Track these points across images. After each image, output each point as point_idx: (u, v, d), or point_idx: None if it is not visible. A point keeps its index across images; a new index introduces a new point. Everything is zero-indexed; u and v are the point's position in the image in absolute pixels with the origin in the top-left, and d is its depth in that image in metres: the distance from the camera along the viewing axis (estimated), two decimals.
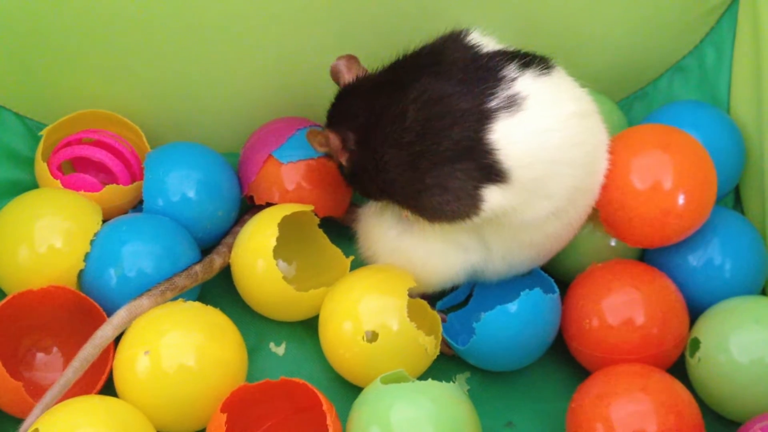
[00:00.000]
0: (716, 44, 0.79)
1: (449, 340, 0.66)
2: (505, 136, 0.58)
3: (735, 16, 0.78)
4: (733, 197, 0.77)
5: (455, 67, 0.61)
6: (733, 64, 0.79)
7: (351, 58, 0.66)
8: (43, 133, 0.74)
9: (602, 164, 0.64)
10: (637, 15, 0.77)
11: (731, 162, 0.73)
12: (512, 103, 0.59)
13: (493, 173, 0.58)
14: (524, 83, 0.59)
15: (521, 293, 0.63)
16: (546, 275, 0.67)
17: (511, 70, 0.60)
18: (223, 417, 0.58)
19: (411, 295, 0.65)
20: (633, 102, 0.82)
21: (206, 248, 0.72)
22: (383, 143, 0.61)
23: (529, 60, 0.62)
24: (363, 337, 0.64)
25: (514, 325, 0.63)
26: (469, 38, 0.64)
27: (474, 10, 0.73)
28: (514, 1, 0.75)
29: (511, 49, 0.64)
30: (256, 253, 0.68)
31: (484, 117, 0.58)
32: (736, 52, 0.78)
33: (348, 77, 0.66)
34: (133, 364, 0.62)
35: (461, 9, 0.73)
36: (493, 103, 0.59)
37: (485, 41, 0.64)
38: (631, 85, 0.82)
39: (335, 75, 0.67)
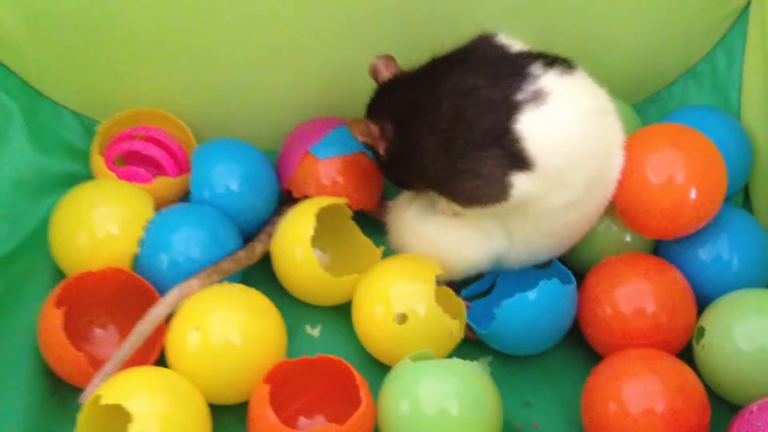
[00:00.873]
0: (727, 51, 0.82)
1: (473, 325, 0.70)
2: (531, 126, 0.62)
3: (745, 25, 0.80)
4: (742, 196, 0.80)
5: (485, 63, 0.65)
6: (743, 70, 0.81)
7: (389, 58, 0.71)
8: (99, 128, 0.78)
9: (618, 160, 0.68)
10: (653, 24, 0.80)
11: (739, 163, 0.76)
12: (537, 96, 0.63)
13: (520, 160, 0.62)
14: (548, 80, 0.64)
15: (540, 283, 0.67)
16: (563, 267, 0.70)
17: (536, 68, 0.64)
18: (267, 388, 0.62)
19: (438, 283, 0.69)
20: (649, 105, 0.85)
21: (248, 236, 0.76)
22: (420, 131, 0.65)
23: (553, 60, 0.66)
24: (394, 319, 0.67)
25: (533, 311, 0.67)
26: (497, 39, 0.68)
27: (499, 18, 0.77)
28: (537, 11, 0.77)
29: (537, 51, 0.67)
30: (295, 241, 0.72)
31: (512, 108, 0.63)
32: (746, 59, 0.81)
33: (386, 74, 0.70)
34: (184, 340, 0.66)
35: (487, 17, 0.76)
36: (519, 96, 0.63)
37: (512, 42, 0.68)
38: (647, 89, 0.84)
39: (374, 72, 0.71)
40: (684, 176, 0.67)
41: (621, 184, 0.69)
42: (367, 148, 0.72)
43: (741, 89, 0.81)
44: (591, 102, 0.66)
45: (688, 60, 0.83)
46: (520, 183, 0.63)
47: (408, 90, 0.67)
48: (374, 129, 0.68)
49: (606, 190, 0.68)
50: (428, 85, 0.66)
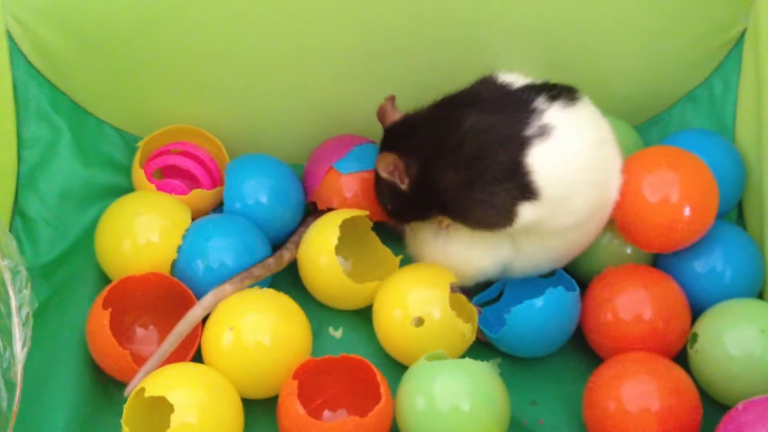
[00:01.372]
0: (724, 77, 0.84)
1: (484, 329, 0.74)
2: (539, 160, 0.67)
3: (740, 53, 0.82)
4: (736, 212, 0.82)
5: (494, 102, 0.69)
6: (738, 96, 0.83)
7: (393, 98, 0.75)
8: (140, 144, 0.81)
9: (616, 183, 0.72)
10: (654, 52, 0.83)
11: (733, 182, 0.79)
12: (543, 131, 0.67)
13: (528, 191, 0.67)
14: (553, 114, 0.68)
15: (546, 291, 0.71)
16: (568, 276, 0.74)
17: (541, 103, 0.69)
18: (295, 383, 0.66)
19: (452, 290, 0.72)
20: (650, 126, 0.87)
21: (276, 245, 0.79)
22: (444, 168, 0.69)
23: (558, 92, 0.70)
24: (411, 322, 0.71)
25: (539, 317, 0.71)
26: (500, 78, 0.72)
27: (509, 48, 0.80)
28: (546, 40, 0.81)
29: (539, 82, 0.71)
30: (320, 250, 0.75)
31: (523, 143, 0.67)
32: (741, 85, 0.83)
33: (393, 116, 0.74)
34: (219, 339, 0.70)
35: (498, 47, 0.80)
36: (528, 132, 0.67)
37: (513, 78, 0.72)
38: (649, 112, 0.87)
39: (382, 113, 0.74)
40: (678, 195, 0.70)
41: (621, 202, 0.72)
42: (383, 183, 0.73)
43: (736, 113, 0.83)
44: (593, 133, 0.70)
45: (687, 85, 0.85)
46: (525, 212, 0.68)
47: (427, 130, 0.71)
48: (400, 165, 0.70)
49: (605, 211, 0.72)
50: (447, 126, 0.69)
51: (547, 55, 0.82)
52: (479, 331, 0.74)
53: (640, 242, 0.73)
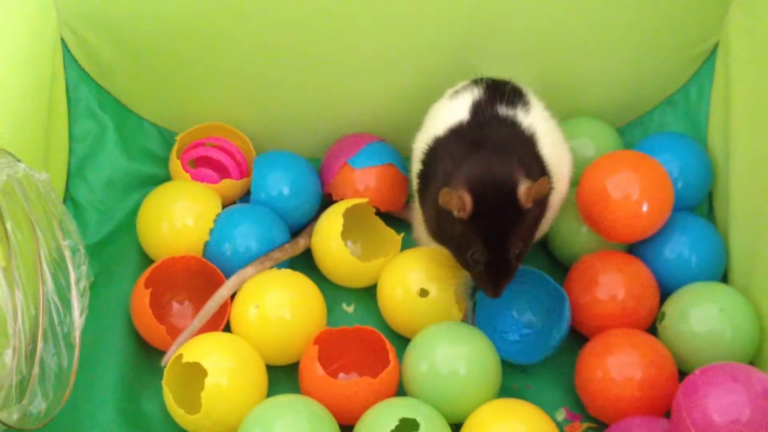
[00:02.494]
0: (698, 85, 0.90)
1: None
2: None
3: (713, 64, 0.88)
4: (707, 206, 0.89)
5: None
6: (711, 102, 0.89)
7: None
8: (177, 137, 0.87)
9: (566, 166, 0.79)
10: (636, 61, 0.89)
11: (700, 180, 0.85)
12: (533, 140, 0.75)
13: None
14: (532, 124, 0.76)
15: (554, 331, 0.75)
16: (556, 284, 0.77)
17: (523, 117, 0.75)
18: (316, 348, 0.74)
19: (457, 288, 0.78)
20: (632, 128, 0.93)
21: (295, 231, 0.87)
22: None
23: (514, 100, 0.76)
24: (418, 293, 0.77)
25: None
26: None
27: (503, 56, 0.86)
28: (537, 49, 0.86)
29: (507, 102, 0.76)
30: (330, 236, 0.82)
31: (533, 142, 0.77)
32: (713, 92, 0.89)
33: None
34: (246, 315, 0.77)
35: (493, 54, 0.86)
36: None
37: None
38: (630, 115, 0.93)
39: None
40: (638, 193, 0.77)
41: (588, 199, 0.79)
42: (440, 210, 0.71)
43: (708, 117, 0.89)
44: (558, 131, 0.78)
45: (665, 91, 0.91)
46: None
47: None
48: (468, 200, 0.68)
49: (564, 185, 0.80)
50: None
51: (539, 62, 0.87)
52: (465, 315, 0.80)
53: (606, 234, 0.80)
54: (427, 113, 0.83)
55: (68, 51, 0.85)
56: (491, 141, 0.73)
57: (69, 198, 0.86)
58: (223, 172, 0.90)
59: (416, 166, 0.80)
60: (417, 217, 0.84)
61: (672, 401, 0.66)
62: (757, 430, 0.62)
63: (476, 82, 0.80)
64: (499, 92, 0.77)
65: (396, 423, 0.69)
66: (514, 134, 0.75)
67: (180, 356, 0.74)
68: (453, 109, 0.78)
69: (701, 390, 0.64)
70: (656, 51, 0.89)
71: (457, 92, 0.80)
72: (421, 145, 0.79)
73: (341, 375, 0.79)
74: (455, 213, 0.69)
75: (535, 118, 0.77)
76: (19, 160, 0.64)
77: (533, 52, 0.87)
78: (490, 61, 0.87)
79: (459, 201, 0.67)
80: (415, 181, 0.80)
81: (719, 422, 0.62)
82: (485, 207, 0.68)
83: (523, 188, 0.68)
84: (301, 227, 0.88)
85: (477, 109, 0.76)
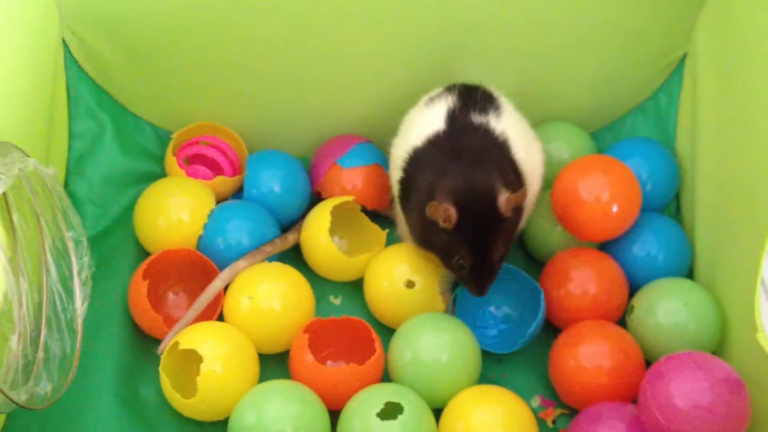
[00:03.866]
0: (668, 92, 0.92)
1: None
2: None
3: (682, 72, 0.91)
4: (675, 207, 0.92)
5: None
6: (679, 109, 0.92)
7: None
8: (173, 135, 0.90)
9: (539, 165, 0.83)
10: (609, 68, 0.91)
11: (668, 181, 0.89)
12: (507, 147, 0.79)
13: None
14: (504, 129, 0.80)
15: (533, 324, 0.78)
16: (531, 279, 0.80)
17: (495, 123, 0.79)
18: (306, 336, 0.77)
19: (440, 285, 0.81)
20: (605, 133, 0.96)
21: (285, 227, 0.89)
22: None
23: (486, 106, 0.79)
24: (405, 284, 0.80)
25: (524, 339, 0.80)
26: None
27: (483, 63, 0.89)
28: (514, 57, 0.89)
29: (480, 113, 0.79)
30: (318, 231, 0.85)
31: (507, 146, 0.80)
32: (681, 100, 0.92)
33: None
34: (239, 305, 0.80)
35: (473, 61, 0.89)
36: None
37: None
38: (604, 120, 0.96)
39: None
40: (608, 195, 0.80)
41: (562, 200, 0.82)
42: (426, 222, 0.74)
43: (677, 123, 0.92)
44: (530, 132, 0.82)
45: (637, 98, 0.94)
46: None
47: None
48: (453, 214, 0.72)
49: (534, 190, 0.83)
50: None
51: (517, 69, 0.90)
52: (446, 307, 0.84)
53: (578, 233, 0.83)
54: (404, 120, 0.86)
55: (69, 52, 0.87)
56: (468, 151, 0.77)
57: (68, 193, 0.87)
58: (216, 169, 0.92)
59: (396, 173, 0.83)
60: (400, 216, 0.87)
61: (639, 388, 0.70)
62: (717, 415, 0.66)
63: (449, 89, 0.83)
64: (471, 99, 0.80)
65: (381, 406, 0.72)
66: (488, 142, 0.78)
67: (176, 344, 0.76)
68: (429, 118, 0.81)
69: (666, 376, 0.68)
70: (628, 60, 0.92)
71: (432, 99, 0.83)
72: (400, 152, 0.82)
73: (329, 362, 0.82)
74: (440, 224, 0.74)
75: (507, 123, 0.80)
76: (28, 156, 0.68)
77: (513, 60, 0.91)
78: (471, 68, 0.90)
79: (444, 213, 0.72)
80: (395, 187, 0.83)
81: (682, 407, 0.66)
82: (469, 218, 0.73)
83: (503, 199, 0.73)
84: (290, 223, 0.91)
85: (452, 118, 0.80)
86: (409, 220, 0.81)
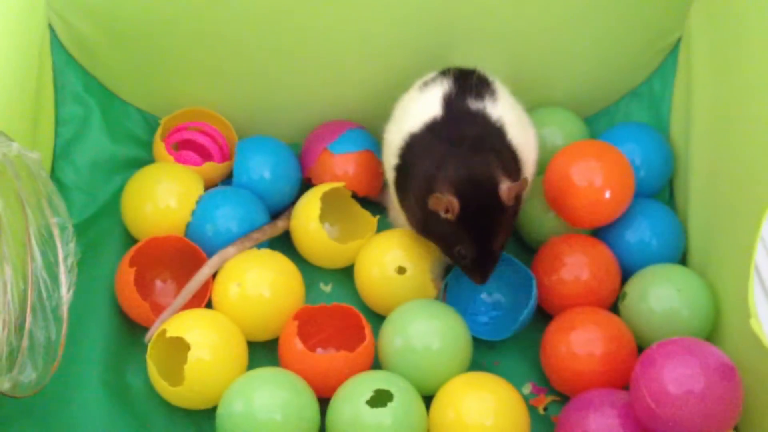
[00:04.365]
0: (662, 77, 0.92)
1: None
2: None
3: (676, 57, 0.91)
4: (668, 192, 0.91)
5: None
6: (674, 93, 0.91)
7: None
8: (162, 121, 0.89)
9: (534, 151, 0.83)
10: (603, 53, 0.91)
11: (660, 167, 0.88)
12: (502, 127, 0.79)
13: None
14: (501, 115, 0.79)
15: (525, 311, 0.77)
16: (524, 267, 0.80)
17: (492, 109, 0.78)
18: (295, 323, 0.77)
19: (432, 272, 0.81)
20: (600, 118, 0.95)
21: (275, 214, 0.89)
22: None
23: (482, 91, 0.79)
24: (396, 271, 0.80)
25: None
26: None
27: (479, 46, 0.88)
28: (509, 42, 0.88)
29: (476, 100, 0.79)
30: (308, 218, 0.84)
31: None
32: (676, 84, 0.91)
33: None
34: (227, 293, 0.79)
35: (468, 44, 0.88)
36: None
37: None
38: (598, 105, 0.95)
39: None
40: (601, 181, 0.80)
41: (553, 186, 0.81)
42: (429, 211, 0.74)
43: (671, 108, 0.92)
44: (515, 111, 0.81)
45: (631, 83, 0.93)
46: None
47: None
48: (455, 205, 0.72)
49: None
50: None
51: (511, 54, 0.90)
52: (438, 294, 0.84)
53: (570, 219, 0.83)
54: (397, 104, 0.85)
55: (55, 36, 0.86)
56: (467, 138, 0.77)
57: (55, 180, 0.87)
58: (205, 155, 0.92)
59: (392, 160, 0.82)
60: (392, 201, 0.86)
61: (631, 374, 0.70)
62: (710, 401, 0.65)
63: (444, 73, 0.82)
64: (468, 84, 0.80)
65: (371, 394, 0.72)
66: (486, 129, 0.78)
67: (164, 331, 0.76)
68: (425, 103, 0.80)
69: (658, 362, 0.67)
70: (622, 45, 0.91)
71: (426, 84, 0.83)
72: (395, 138, 0.82)
73: (319, 350, 0.82)
74: (442, 214, 0.73)
75: (503, 108, 0.80)
76: (12, 140, 0.67)
77: (506, 44, 0.90)
78: (464, 52, 0.89)
79: (447, 205, 0.72)
80: (391, 174, 0.83)
81: (674, 393, 0.66)
82: (471, 208, 0.73)
83: (505, 188, 0.73)
84: (281, 210, 0.90)
85: (448, 103, 0.79)
86: (407, 208, 0.81)
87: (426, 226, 0.77)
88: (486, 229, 0.73)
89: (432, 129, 0.78)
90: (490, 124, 0.78)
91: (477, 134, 0.77)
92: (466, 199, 0.72)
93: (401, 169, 0.80)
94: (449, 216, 0.73)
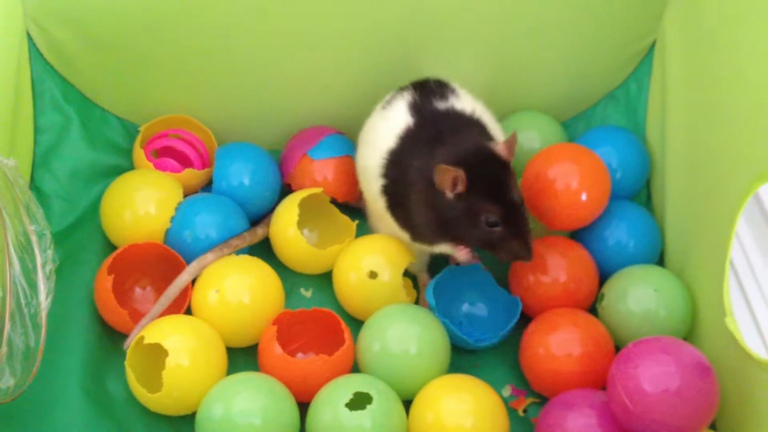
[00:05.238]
0: (638, 81, 0.93)
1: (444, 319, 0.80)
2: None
3: (651, 61, 0.91)
4: (645, 194, 0.92)
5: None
6: (649, 97, 0.93)
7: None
8: (141, 129, 0.89)
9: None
10: (580, 57, 0.92)
11: (638, 169, 0.89)
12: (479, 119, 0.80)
13: None
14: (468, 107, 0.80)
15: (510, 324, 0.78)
16: (512, 297, 0.81)
17: (466, 104, 0.79)
18: (274, 328, 0.77)
19: (411, 270, 0.82)
20: (576, 122, 0.96)
21: (256, 220, 0.89)
22: None
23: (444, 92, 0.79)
24: (368, 275, 0.80)
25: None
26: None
27: (457, 53, 0.89)
28: (488, 48, 0.89)
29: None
30: (286, 224, 0.84)
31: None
32: (651, 88, 0.92)
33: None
34: (206, 299, 0.79)
35: (447, 51, 0.89)
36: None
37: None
38: (575, 109, 0.96)
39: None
40: (578, 183, 0.80)
41: (531, 188, 0.82)
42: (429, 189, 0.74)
43: (647, 112, 0.93)
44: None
45: (607, 87, 0.95)
46: None
47: None
48: (463, 177, 0.72)
49: None
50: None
51: (490, 59, 0.91)
52: (418, 298, 0.85)
53: (548, 221, 0.83)
54: (363, 130, 0.85)
55: (33, 44, 0.86)
56: (446, 132, 0.78)
57: (34, 188, 0.87)
58: (185, 162, 0.92)
59: (374, 185, 0.81)
60: (372, 209, 0.87)
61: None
62: (686, 399, 0.66)
63: (401, 89, 0.83)
64: (428, 89, 0.81)
65: (350, 396, 0.72)
66: (463, 121, 0.79)
67: (142, 338, 0.76)
68: (393, 119, 0.81)
69: (634, 361, 0.68)
70: (598, 49, 0.92)
71: (388, 102, 0.83)
72: (371, 162, 0.82)
73: (299, 355, 0.82)
74: (449, 194, 0.74)
75: (470, 104, 0.81)
76: None
77: (483, 50, 0.91)
78: (441, 58, 0.90)
79: (453, 177, 0.73)
80: (380, 200, 0.82)
81: (650, 391, 0.66)
82: (477, 173, 0.74)
83: (500, 146, 0.75)
84: (261, 216, 0.91)
85: (417, 109, 0.80)
86: (413, 223, 0.80)
87: (442, 221, 0.76)
88: (499, 185, 0.74)
89: (408, 137, 0.79)
90: (465, 117, 0.79)
91: (455, 127, 0.78)
92: (469, 166, 0.73)
93: (389, 188, 0.80)
94: (460, 188, 0.74)
